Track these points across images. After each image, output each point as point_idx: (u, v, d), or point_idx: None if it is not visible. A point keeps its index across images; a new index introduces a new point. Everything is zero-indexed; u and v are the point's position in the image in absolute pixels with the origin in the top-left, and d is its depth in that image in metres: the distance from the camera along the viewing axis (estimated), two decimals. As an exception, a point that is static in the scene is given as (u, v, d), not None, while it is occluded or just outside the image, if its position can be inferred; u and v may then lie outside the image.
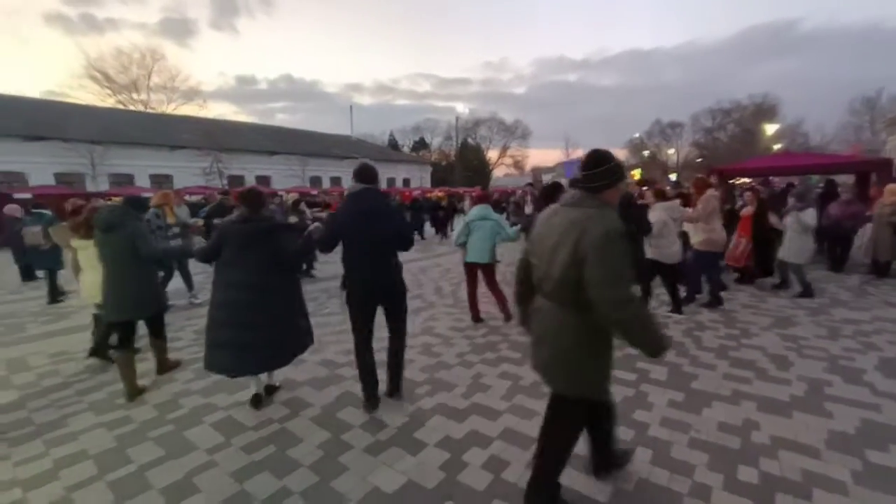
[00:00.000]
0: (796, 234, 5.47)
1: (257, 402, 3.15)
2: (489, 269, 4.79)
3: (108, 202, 5.56)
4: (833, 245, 7.26)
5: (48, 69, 73.94)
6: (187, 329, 4.88)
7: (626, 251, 1.64)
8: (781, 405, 2.95)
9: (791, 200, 5.75)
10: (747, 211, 6.12)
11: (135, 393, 3.34)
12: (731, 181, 10.63)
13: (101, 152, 21.23)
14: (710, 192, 5.17)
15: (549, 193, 4.41)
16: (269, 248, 2.95)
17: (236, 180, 26.40)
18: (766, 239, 6.03)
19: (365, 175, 2.95)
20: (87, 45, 66.56)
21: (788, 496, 2.10)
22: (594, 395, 1.87)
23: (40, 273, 7.86)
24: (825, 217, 6.85)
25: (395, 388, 3.16)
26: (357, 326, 3.02)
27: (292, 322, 3.09)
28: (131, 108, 36.97)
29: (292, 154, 30.42)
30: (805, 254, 5.54)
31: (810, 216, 5.39)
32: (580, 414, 1.95)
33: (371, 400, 3.04)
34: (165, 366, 3.77)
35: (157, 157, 24.21)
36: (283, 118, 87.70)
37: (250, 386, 3.20)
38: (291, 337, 3.09)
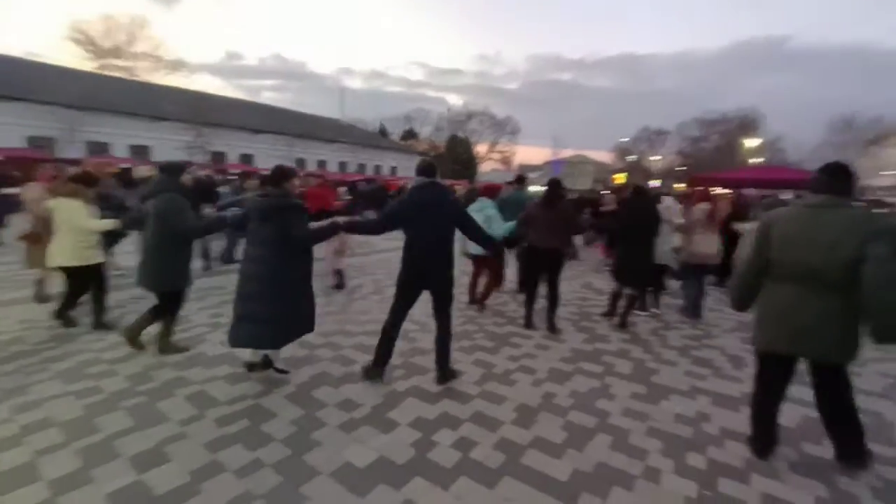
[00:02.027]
0: None
1: (250, 368, 3.17)
2: (488, 260, 4.98)
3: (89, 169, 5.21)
4: None
5: (32, 30, 70.18)
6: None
7: None
8: (733, 400, 3.15)
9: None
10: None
11: (131, 339, 3.55)
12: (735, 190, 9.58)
13: (79, 118, 20.40)
14: (702, 205, 5.06)
15: (553, 190, 4.50)
16: (279, 224, 2.93)
17: (218, 157, 25.81)
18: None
19: (427, 170, 3.25)
20: (71, 4, 63.00)
21: (730, 480, 2.28)
22: (855, 358, 2.21)
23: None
24: None
25: (441, 376, 3.22)
26: (397, 305, 3.26)
27: (297, 303, 3.06)
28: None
29: (279, 134, 29.85)
30: None
31: None
32: None
33: (373, 368, 3.22)
34: (167, 347, 3.59)
35: (137, 126, 23.39)
36: (270, 96, 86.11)
37: (246, 354, 3.20)
38: (295, 317, 3.06)
